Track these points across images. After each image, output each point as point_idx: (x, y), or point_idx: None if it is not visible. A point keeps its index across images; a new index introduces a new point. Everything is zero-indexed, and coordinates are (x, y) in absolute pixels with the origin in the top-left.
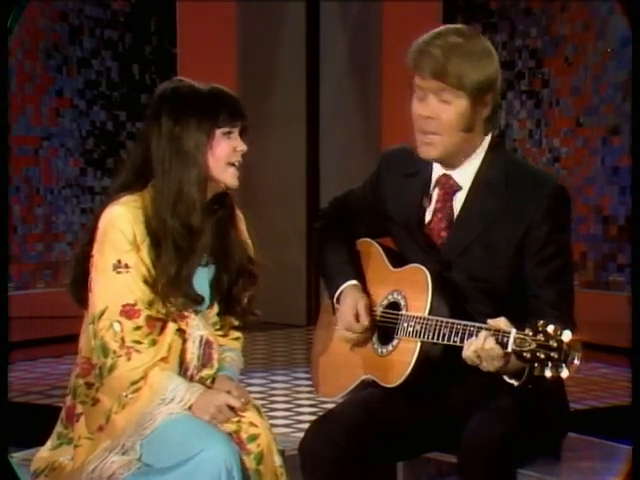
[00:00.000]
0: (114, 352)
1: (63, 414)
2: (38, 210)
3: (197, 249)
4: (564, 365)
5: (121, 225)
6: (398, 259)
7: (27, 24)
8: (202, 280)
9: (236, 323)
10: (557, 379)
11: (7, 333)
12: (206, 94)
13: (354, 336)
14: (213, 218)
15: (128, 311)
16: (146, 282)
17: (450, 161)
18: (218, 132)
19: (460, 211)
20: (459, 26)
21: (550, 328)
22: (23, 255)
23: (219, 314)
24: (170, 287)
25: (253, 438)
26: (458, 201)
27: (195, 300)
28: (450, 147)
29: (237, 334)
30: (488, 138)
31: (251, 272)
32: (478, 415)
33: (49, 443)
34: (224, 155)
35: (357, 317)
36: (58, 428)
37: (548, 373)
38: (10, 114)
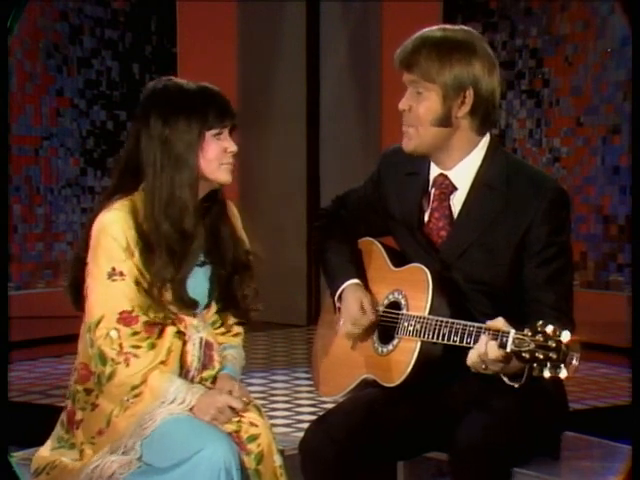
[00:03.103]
0: (112, 360)
1: (64, 417)
2: (38, 210)
3: (190, 253)
4: (562, 365)
5: (114, 232)
6: (399, 258)
7: (27, 24)
8: (200, 280)
9: (237, 319)
10: (556, 379)
11: (7, 333)
12: (194, 94)
13: (359, 330)
14: (206, 218)
15: (125, 318)
16: (141, 287)
17: (435, 157)
18: (208, 134)
19: (460, 212)
20: (455, 26)
21: (549, 328)
22: (23, 255)
23: (219, 311)
24: (165, 291)
25: (253, 438)
26: (458, 201)
27: (189, 305)
28: (426, 141)
29: (238, 330)
30: (486, 139)
31: (246, 265)
32: (470, 415)
33: (49, 443)
34: (215, 157)
35: (363, 310)
36: (59, 431)
37: (547, 373)
38: (10, 114)
